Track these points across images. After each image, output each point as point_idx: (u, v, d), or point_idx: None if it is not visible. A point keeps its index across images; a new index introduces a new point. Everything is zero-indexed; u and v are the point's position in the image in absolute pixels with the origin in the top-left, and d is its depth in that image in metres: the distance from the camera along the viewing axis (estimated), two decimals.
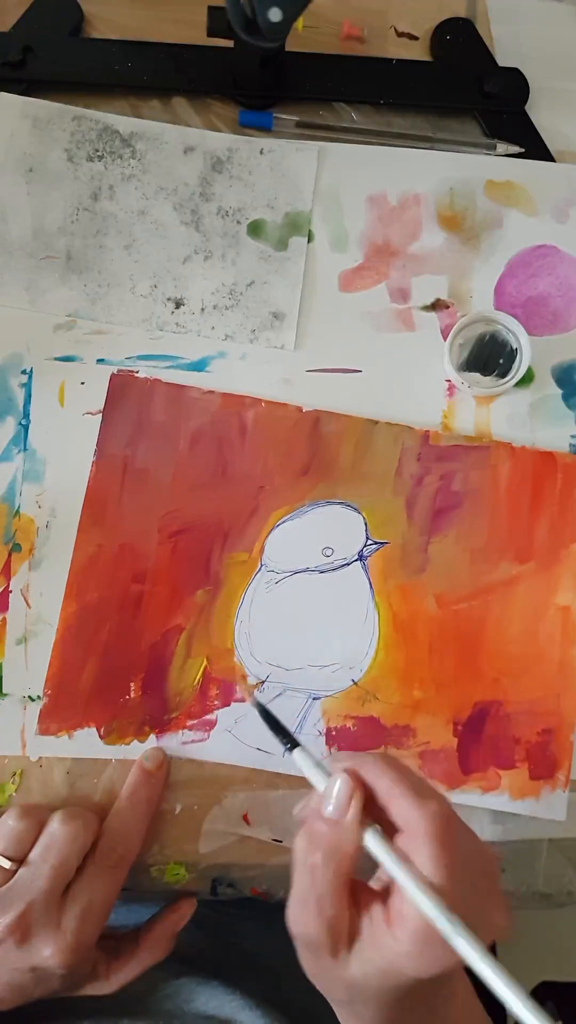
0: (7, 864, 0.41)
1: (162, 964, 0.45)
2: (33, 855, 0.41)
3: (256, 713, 0.39)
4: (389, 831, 0.34)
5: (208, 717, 0.47)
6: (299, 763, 0.37)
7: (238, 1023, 0.46)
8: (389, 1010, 0.35)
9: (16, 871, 0.41)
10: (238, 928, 0.57)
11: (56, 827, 0.41)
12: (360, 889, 0.35)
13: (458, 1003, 0.38)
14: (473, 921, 0.31)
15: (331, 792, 0.34)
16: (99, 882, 0.41)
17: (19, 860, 0.41)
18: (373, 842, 0.33)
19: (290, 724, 0.47)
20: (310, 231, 0.53)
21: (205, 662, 0.48)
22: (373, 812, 0.34)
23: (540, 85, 0.56)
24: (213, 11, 0.50)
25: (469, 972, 0.31)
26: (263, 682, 0.47)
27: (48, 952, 0.39)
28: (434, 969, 0.31)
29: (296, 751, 0.37)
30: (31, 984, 0.40)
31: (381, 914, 0.33)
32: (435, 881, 0.31)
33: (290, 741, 0.38)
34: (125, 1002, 0.46)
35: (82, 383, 0.50)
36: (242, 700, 0.47)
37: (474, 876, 0.33)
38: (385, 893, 0.34)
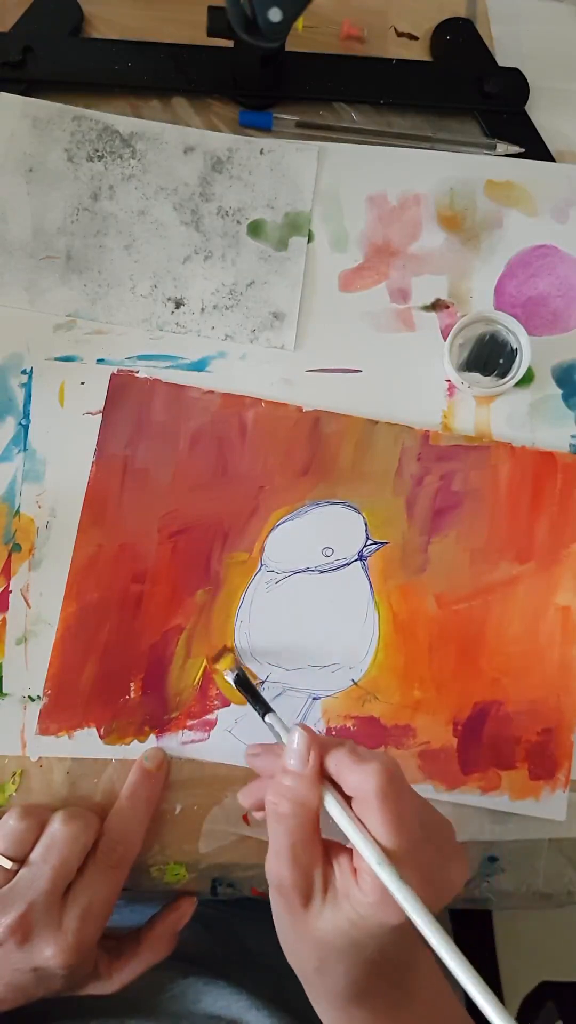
0: (8, 864, 0.41)
1: (168, 964, 0.46)
2: (34, 855, 0.41)
3: (233, 677, 0.44)
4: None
5: (208, 717, 0.47)
6: (271, 725, 0.41)
7: (245, 1023, 0.46)
8: (357, 971, 0.36)
9: (17, 871, 0.41)
10: (240, 928, 0.57)
11: (57, 827, 0.41)
12: (331, 845, 0.37)
13: (423, 972, 0.39)
14: (425, 872, 0.34)
15: (291, 746, 0.37)
16: (100, 882, 0.41)
17: (20, 860, 0.41)
18: (330, 802, 0.36)
19: (290, 724, 0.47)
20: (310, 231, 0.53)
21: (205, 662, 0.48)
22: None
23: (540, 85, 0.56)
24: (213, 11, 0.50)
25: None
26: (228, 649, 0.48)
27: (49, 952, 0.39)
28: (396, 918, 0.33)
29: (268, 715, 0.42)
30: (32, 984, 0.40)
31: (348, 867, 0.35)
32: (381, 836, 0.34)
33: (263, 707, 0.42)
34: (132, 1002, 0.46)
35: (82, 383, 0.50)
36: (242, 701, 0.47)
37: (425, 832, 0.35)
38: (351, 849, 0.36)
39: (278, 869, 0.36)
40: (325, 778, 0.37)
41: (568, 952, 1.02)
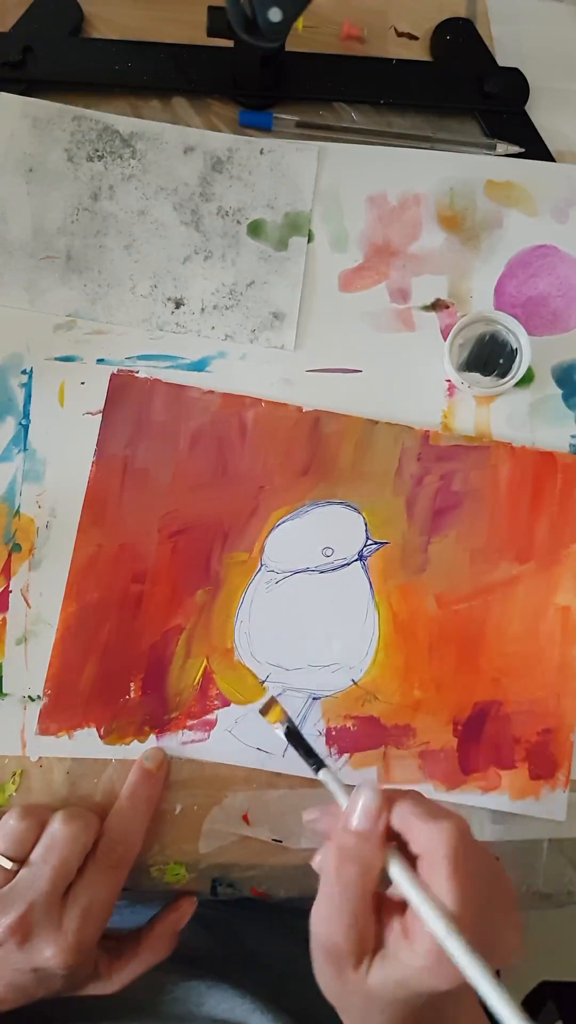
0: (8, 864, 0.41)
1: (170, 966, 0.45)
2: (34, 856, 0.41)
3: (283, 731, 0.42)
4: (408, 860, 0.35)
5: (208, 717, 0.47)
6: (326, 782, 0.39)
7: None
8: (400, 1020, 0.35)
9: (17, 871, 0.41)
10: (241, 928, 0.57)
11: (57, 828, 0.41)
12: (382, 900, 0.35)
13: (468, 1017, 0.39)
14: (485, 940, 0.32)
15: (356, 805, 0.35)
16: (100, 882, 0.41)
17: (20, 860, 0.41)
18: (393, 861, 0.34)
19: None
20: (310, 231, 0.53)
21: (205, 662, 0.48)
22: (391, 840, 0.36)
23: (540, 85, 0.56)
24: (213, 11, 0.50)
25: None
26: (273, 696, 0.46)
27: (49, 953, 0.39)
28: (448, 984, 0.32)
29: (322, 771, 0.39)
30: (33, 984, 0.40)
31: (400, 927, 0.34)
32: (449, 903, 0.32)
33: (317, 761, 0.40)
34: (134, 1004, 0.46)
35: (82, 383, 0.50)
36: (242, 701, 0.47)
37: (489, 895, 0.34)
38: (404, 905, 0.35)
39: (331, 931, 0.34)
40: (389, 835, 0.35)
41: (568, 952, 1.02)
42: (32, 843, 0.41)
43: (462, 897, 0.32)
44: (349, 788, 0.38)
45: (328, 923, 0.34)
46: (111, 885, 0.42)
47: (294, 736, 0.41)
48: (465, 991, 0.37)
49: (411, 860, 0.35)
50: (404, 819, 0.35)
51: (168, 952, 0.45)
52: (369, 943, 0.34)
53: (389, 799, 0.36)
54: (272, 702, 0.43)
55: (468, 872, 0.33)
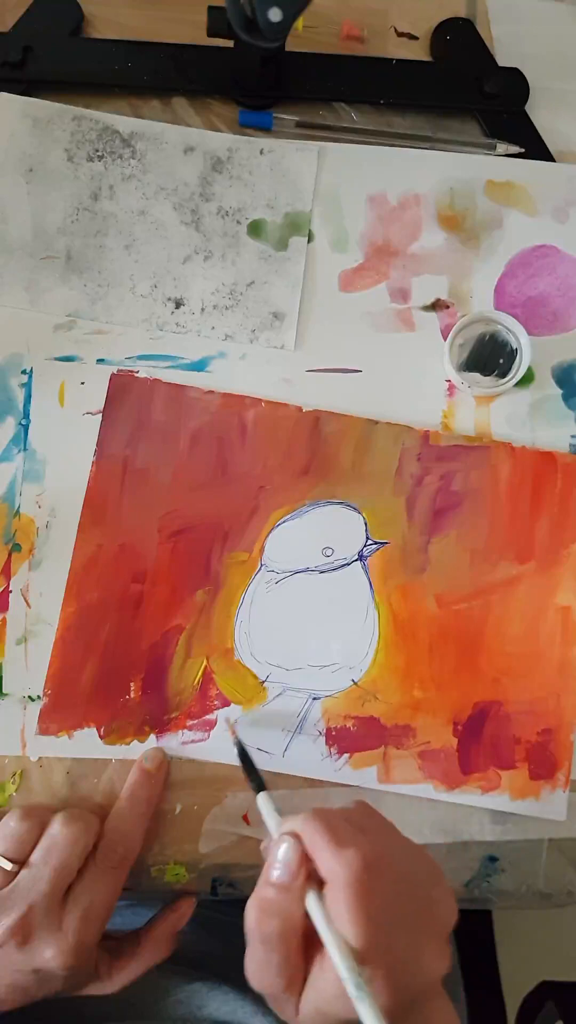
0: (8, 866, 0.41)
1: (172, 968, 0.45)
2: (34, 857, 0.41)
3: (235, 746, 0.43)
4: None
5: (208, 717, 0.47)
6: (260, 808, 0.39)
7: None
8: None
9: (18, 872, 0.41)
10: (242, 930, 0.57)
11: (57, 829, 0.41)
12: (310, 933, 0.35)
13: None
14: (396, 961, 0.33)
15: (276, 856, 0.35)
16: (100, 883, 0.41)
17: (20, 862, 0.41)
18: (311, 904, 0.34)
19: (290, 724, 0.47)
20: (310, 231, 0.53)
21: (205, 662, 0.48)
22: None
23: (540, 85, 0.56)
24: (213, 11, 0.50)
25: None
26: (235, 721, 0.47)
27: (50, 954, 0.39)
28: (352, 1014, 0.32)
29: (260, 796, 0.40)
30: (33, 985, 0.40)
31: (320, 956, 0.34)
32: (350, 928, 0.32)
33: (258, 784, 0.41)
34: (136, 1006, 0.46)
35: (82, 383, 0.50)
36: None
37: (405, 919, 0.34)
38: None
39: (262, 983, 0.35)
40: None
41: (568, 952, 1.03)
42: (32, 844, 0.41)
43: (364, 925, 0.32)
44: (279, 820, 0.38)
45: (258, 974, 0.35)
46: (111, 886, 0.42)
47: (241, 754, 0.43)
48: (433, 1012, 0.37)
49: (322, 884, 0.35)
50: (312, 843, 0.35)
51: (168, 953, 0.45)
52: (299, 982, 0.34)
53: (307, 842, 0.35)
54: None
55: (372, 900, 0.33)
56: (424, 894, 0.36)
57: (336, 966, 0.32)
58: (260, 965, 0.34)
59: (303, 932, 0.34)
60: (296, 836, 0.35)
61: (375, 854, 0.34)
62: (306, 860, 0.35)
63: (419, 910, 0.35)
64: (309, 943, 0.34)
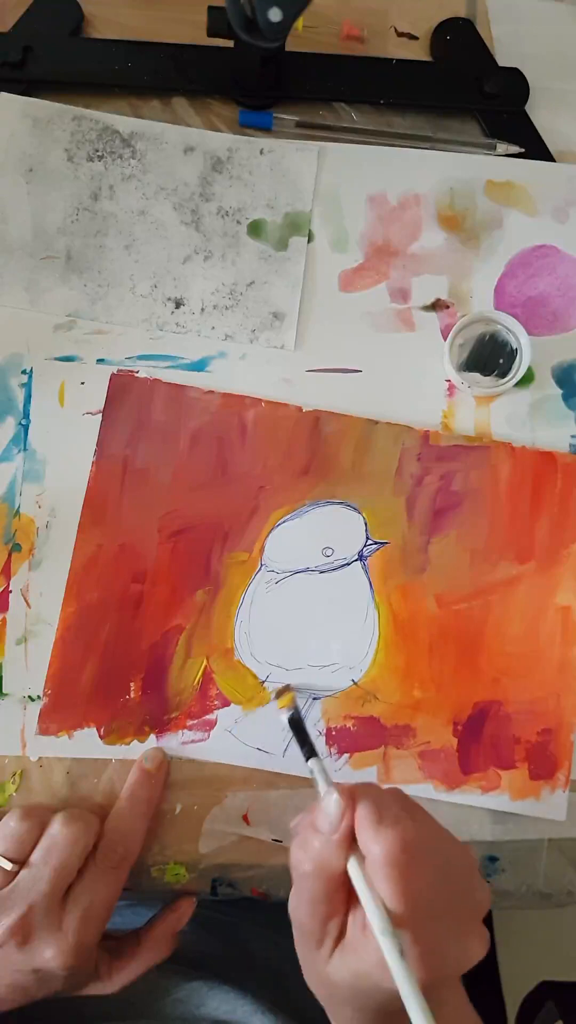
0: (8, 866, 0.41)
1: (172, 967, 0.45)
2: (34, 857, 0.41)
3: (284, 720, 0.43)
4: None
5: (208, 717, 0.47)
6: (312, 771, 0.39)
7: None
8: (362, 1016, 0.36)
9: (18, 872, 0.41)
10: (243, 930, 0.57)
11: (57, 829, 0.41)
12: (353, 894, 0.35)
13: (447, 1013, 0.38)
14: (435, 944, 0.33)
15: (325, 808, 0.36)
16: (100, 883, 0.41)
17: (20, 862, 0.41)
18: (352, 862, 0.35)
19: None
20: (310, 231, 0.53)
21: (205, 662, 0.48)
22: None
23: (540, 85, 0.56)
24: (213, 11, 0.50)
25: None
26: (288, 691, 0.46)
27: (50, 954, 0.39)
28: (392, 983, 0.32)
29: (312, 760, 0.40)
30: (33, 985, 0.40)
31: (361, 921, 0.34)
32: (391, 904, 0.33)
33: (310, 751, 0.41)
34: (135, 1006, 0.46)
35: (82, 383, 0.50)
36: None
37: (442, 904, 0.34)
38: None
39: (296, 913, 0.36)
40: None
41: (568, 952, 1.03)
42: (32, 844, 0.41)
43: (400, 902, 0.33)
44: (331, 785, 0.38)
45: (297, 909, 0.36)
46: (111, 886, 0.42)
47: (296, 724, 0.42)
48: (443, 990, 0.37)
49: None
50: (358, 823, 0.35)
51: (167, 953, 0.45)
52: (333, 930, 0.35)
53: (356, 796, 0.36)
54: (287, 689, 0.44)
55: (406, 880, 0.33)
56: (463, 882, 0.37)
57: (372, 926, 0.33)
58: (299, 900, 0.36)
59: (343, 886, 0.35)
60: (344, 790, 0.36)
61: (415, 838, 0.34)
62: (348, 817, 0.35)
63: (458, 896, 0.36)
64: (353, 900, 0.35)
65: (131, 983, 0.44)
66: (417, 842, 0.34)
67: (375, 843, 0.34)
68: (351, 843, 0.35)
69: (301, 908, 0.35)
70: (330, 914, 0.35)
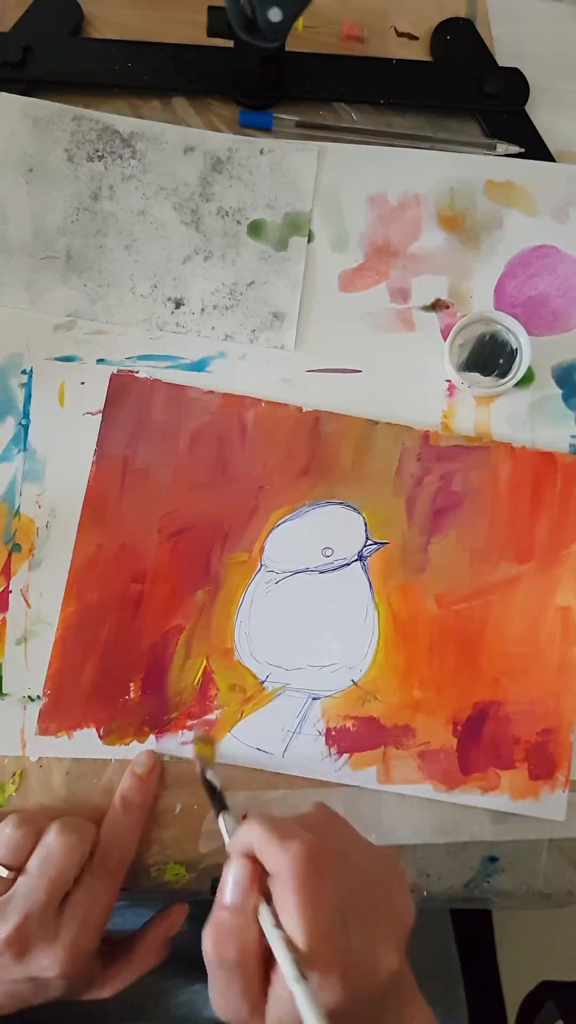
0: (5, 873, 0.40)
1: (173, 969, 0.45)
2: (30, 866, 0.40)
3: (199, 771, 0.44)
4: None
5: (208, 717, 0.47)
6: (221, 826, 0.40)
7: None
8: None
9: (14, 879, 0.40)
10: None
11: (53, 838, 0.41)
12: (270, 952, 0.34)
13: None
14: (348, 958, 0.32)
15: (226, 880, 0.35)
16: (96, 890, 0.41)
17: (16, 869, 0.41)
18: (263, 913, 0.34)
19: (290, 724, 0.47)
20: (310, 231, 0.53)
21: (205, 662, 0.48)
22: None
23: (540, 85, 0.56)
24: (213, 11, 0.50)
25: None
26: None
27: (47, 963, 0.39)
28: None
29: (221, 816, 0.40)
30: (31, 993, 0.40)
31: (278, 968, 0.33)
32: (298, 925, 0.32)
33: (220, 805, 0.42)
34: (138, 1008, 0.46)
35: (82, 383, 0.50)
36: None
37: (357, 913, 0.34)
38: None
39: (227, 1007, 0.34)
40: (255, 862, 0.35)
41: (568, 952, 1.02)
42: (28, 851, 0.41)
43: (311, 916, 0.32)
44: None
45: (222, 1001, 0.34)
46: (107, 893, 0.42)
47: (204, 779, 0.43)
48: (410, 1004, 0.36)
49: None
50: (259, 845, 0.34)
51: (160, 959, 0.45)
52: (262, 1006, 0.33)
53: (255, 862, 0.35)
54: (207, 738, 0.46)
55: (319, 892, 0.33)
56: (381, 892, 0.36)
57: (279, 960, 0.32)
58: (223, 992, 0.34)
59: (263, 955, 0.34)
60: (244, 856, 0.35)
61: (322, 847, 0.34)
62: (256, 879, 0.34)
63: (375, 907, 0.35)
64: (270, 965, 0.34)
65: (129, 987, 0.43)
66: (322, 852, 0.34)
67: (280, 857, 0.33)
68: (256, 885, 0.34)
69: (232, 1004, 0.33)
70: (258, 988, 0.33)
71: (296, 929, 0.32)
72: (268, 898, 0.34)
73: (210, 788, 0.43)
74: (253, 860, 0.35)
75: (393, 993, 0.35)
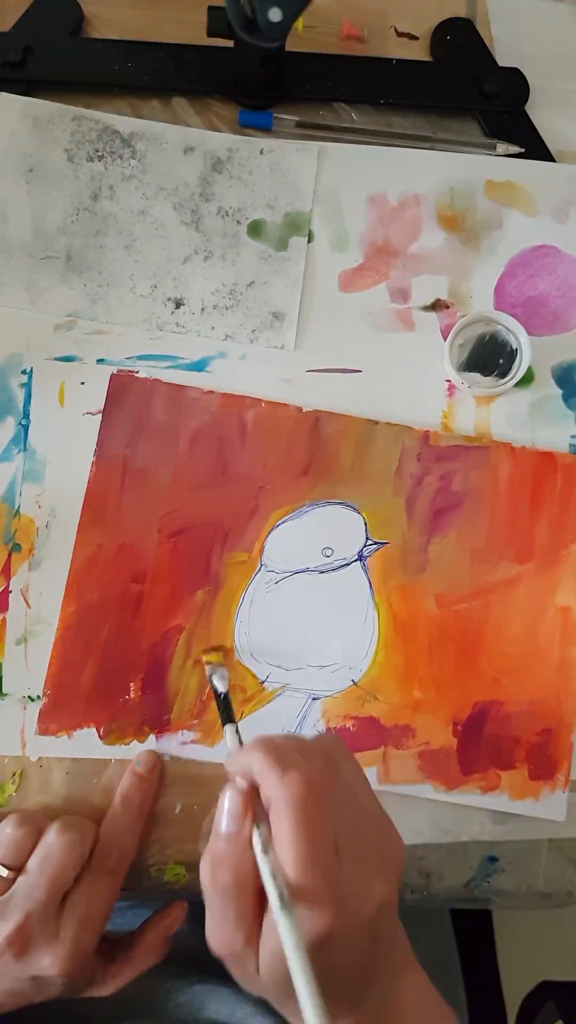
0: (5, 873, 0.40)
1: (172, 969, 0.45)
2: (31, 865, 0.40)
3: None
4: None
5: (208, 717, 0.47)
6: (226, 737, 0.41)
7: None
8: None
9: (14, 879, 0.40)
10: None
11: (53, 837, 0.41)
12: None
13: (404, 1005, 0.37)
14: (340, 889, 0.32)
15: (222, 808, 0.35)
16: (96, 889, 0.41)
17: (17, 869, 0.41)
18: (254, 837, 0.34)
19: (290, 724, 0.47)
20: (310, 231, 0.53)
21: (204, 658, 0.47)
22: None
23: (540, 85, 0.56)
24: (213, 11, 0.50)
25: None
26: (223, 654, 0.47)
27: (47, 962, 0.39)
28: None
29: (226, 726, 0.41)
30: (31, 991, 0.40)
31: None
32: (291, 854, 0.32)
33: (228, 718, 0.42)
34: (136, 1008, 0.46)
35: (82, 383, 0.50)
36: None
37: (352, 845, 0.33)
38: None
39: (222, 942, 0.33)
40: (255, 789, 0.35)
41: (568, 952, 1.03)
42: (29, 850, 0.41)
43: (304, 846, 0.32)
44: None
45: (217, 930, 0.34)
46: (107, 892, 0.42)
47: (215, 686, 0.44)
48: (406, 971, 0.36)
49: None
50: (258, 771, 0.34)
51: (159, 958, 0.45)
52: (256, 936, 0.33)
53: (253, 788, 0.35)
54: (220, 648, 0.47)
55: (314, 823, 0.32)
56: (377, 828, 0.36)
57: (266, 888, 0.31)
58: (218, 920, 0.33)
59: (258, 885, 0.33)
60: (238, 785, 0.35)
61: (323, 777, 0.34)
62: (251, 806, 0.34)
63: (370, 841, 0.35)
64: (265, 897, 0.33)
65: (128, 985, 0.43)
66: (323, 783, 0.33)
67: (277, 787, 0.33)
68: (253, 812, 0.34)
69: (227, 933, 0.33)
70: (253, 924, 0.33)
71: (288, 858, 0.32)
72: (265, 818, 0.34)
73: (218, 697, 0.42)
74: (251, 784, 0.35)
75: (383, 938, 0.34)
